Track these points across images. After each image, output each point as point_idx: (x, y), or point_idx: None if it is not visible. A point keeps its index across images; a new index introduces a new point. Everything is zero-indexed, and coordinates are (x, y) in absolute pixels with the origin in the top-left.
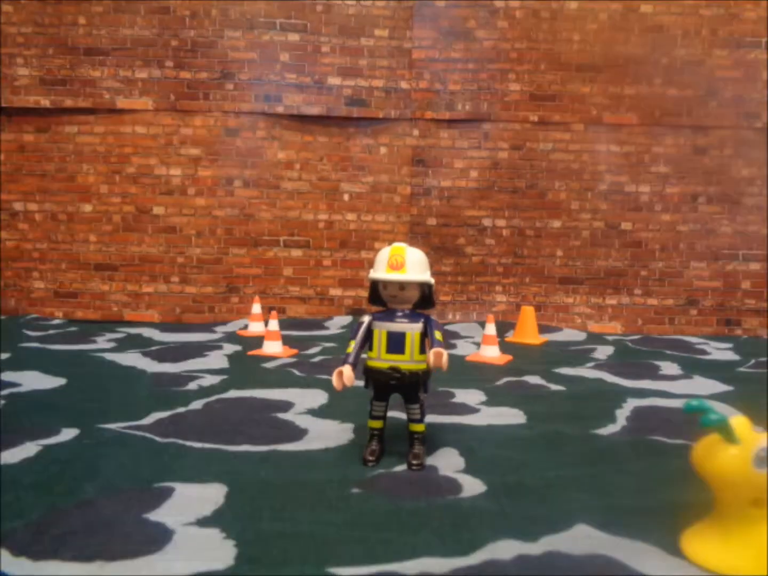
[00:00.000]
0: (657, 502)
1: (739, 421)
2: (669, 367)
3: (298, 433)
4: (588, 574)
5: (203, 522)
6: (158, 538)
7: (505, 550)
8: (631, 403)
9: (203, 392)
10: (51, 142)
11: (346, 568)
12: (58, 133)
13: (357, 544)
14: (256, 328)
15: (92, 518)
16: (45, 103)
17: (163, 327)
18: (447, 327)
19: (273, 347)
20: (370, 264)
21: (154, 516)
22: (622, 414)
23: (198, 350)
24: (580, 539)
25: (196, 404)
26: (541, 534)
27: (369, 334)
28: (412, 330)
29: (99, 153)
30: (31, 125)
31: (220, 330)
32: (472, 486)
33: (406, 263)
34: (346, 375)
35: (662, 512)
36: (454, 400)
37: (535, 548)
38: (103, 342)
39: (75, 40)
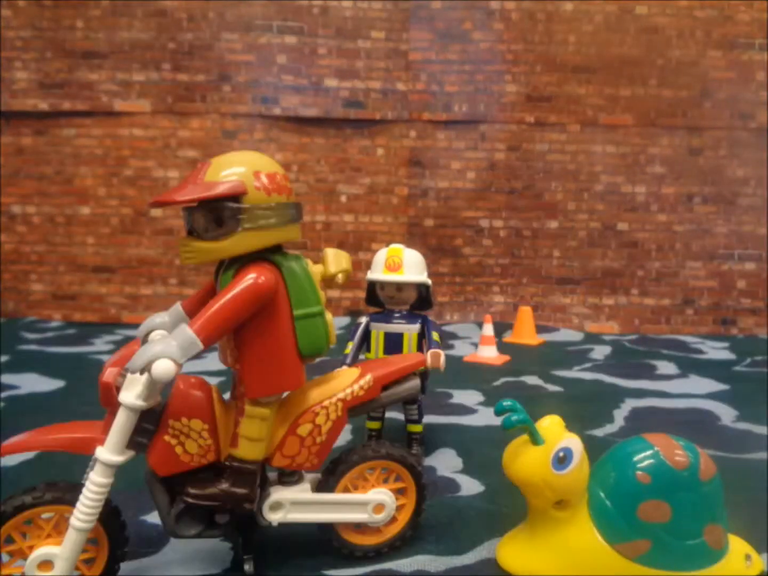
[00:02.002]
0: None
1: (553, 421)
2: (666, 367)
3: None
4: None
5: None
6: (155, 540)
7: None
8: (629, 404)
9: None
10: (49, 145)
11: (342, 569)
12: (56, 136)
13: None
14: None
15: None
16: (43, 106)
17: None
18: (444, 328)
19: None
20: (368, 265)
21: (152, 518)
22: (620, 414)
23: None
24: None
25: None
26: None
27: (367, 335)
28: (410, 331)
29: (97, 156)
30: (29, 128)
31: None
32: (470, 486)
33: (403, 264)
34: None
35: None
36: (452, 400)
37: None
38: (101, 344)
39: (73, 44)
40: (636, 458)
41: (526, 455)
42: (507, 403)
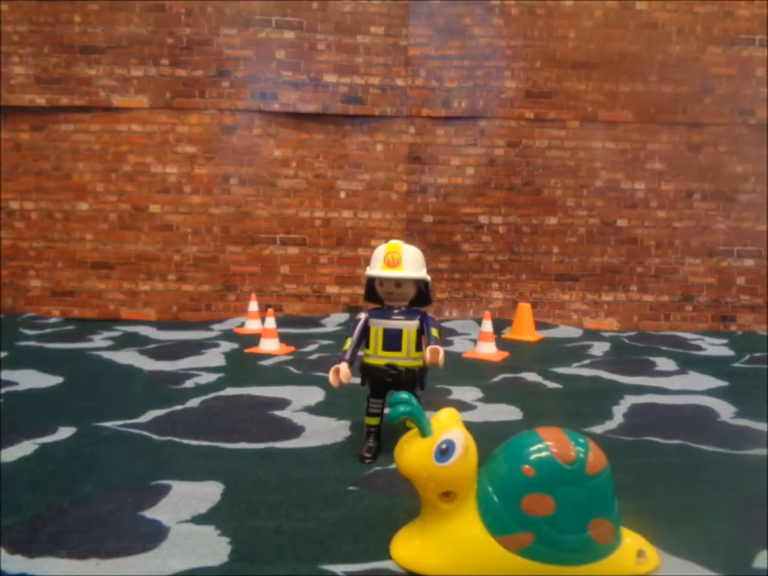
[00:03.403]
0: (654, 500)
1: (449, 414)
2: (665, 363)
3: (295, 431)
4: None
5: (199, 519)
6: (154, 535)
7: None
8: (628, 400)
9: (200, 390)
10: (47, 140)
11: (339, 565)
12: (54, 132)
13: (351, 541)
14: (252, 325)
15: (88, 516)
16: (41, 101)
17: (160, 325)
18: (443, 324)
19: (270, 345)
20: (367, 261)
21: (150, 514)
22: (619, 411)
23: (195, 348)
24: None
25: (193, 402)
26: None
27: (366, 331)
28: (409, 327)
29: (95, 151)
30: (27, 124)
31: (217, 328)
32: None
33: (402, 260)
34: (342, 372)
35: (659, 510)
36: (451, 396)
37: None
38: (99, 340)
39: (70, 38)
40: (523, 452)
41: (412, 447)
42: (404, 396)
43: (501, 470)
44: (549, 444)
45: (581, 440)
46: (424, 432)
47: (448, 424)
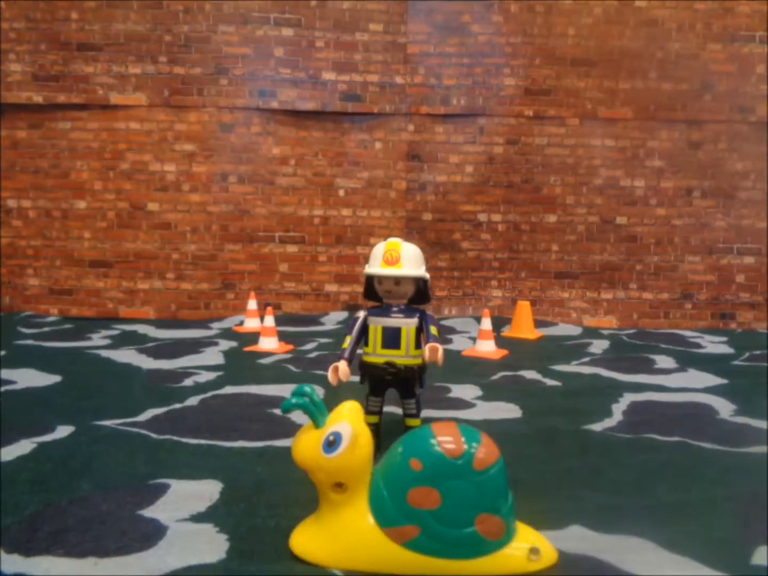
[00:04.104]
0: (653, 496)
1: (352, 407)
2: (664, 361)
3: (294, 429)
4: (580, 570)
5: (197, 518)
6: (152, 534)
7: None
8: (628, 398)
9: (199, 388)
10: (44, 138)
11: None
12: (51, 130)
13: None
14: (251, 324)
15: (86, 515)
16: (38, 99)
17: (159, 323)
18: (443, 322)
19: (269, 343)
20: (366, 259)
21: (149, 512)
22: (619, 408)
23: (193, 346)
24: (574, 535)
25: (192, 400)
26: (534, 530)
27: (365, 329)
28: (408, 325)
29: (93, 149)
30: (24, 121)
31: (216, 326)
32: None
33: (401, 258)
34: (341, 370)
35: (658, 507)
36: (450, 394)
37: None
38: (98, 339)
39: (68, 36)
40: (412, 445)
41: (304, 438)
42: (307, 389)
43: (392, 463)
44: (438, 438)
45: (473, 435)
46: (317, 423)
47: (343, 417)
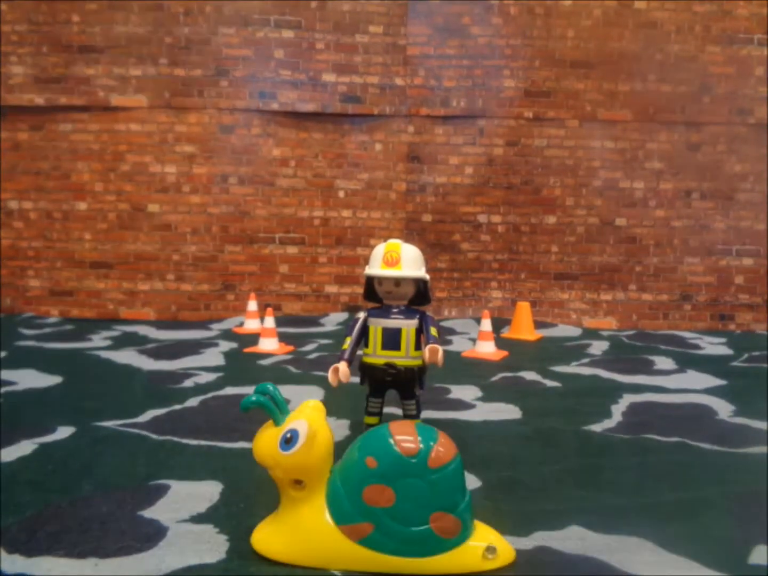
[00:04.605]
0: (652, 497)
1: (315, 406)
2: (663, 362)
3: None
4: (578, 570)
5: (197, 519)
6: (152, 535)
7: None
8: (627, 399)
9: (199, 389)
10: (46, 140)
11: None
12: (52, 131)
13: None
14: (251, 325)
15: (87, 515)
16: (39, 101)
17: (159, 325)
18: (443, 323)
19: (269, 344)
20: (366, 261)
21: (149, 513)
22: (618, 409)
23: (194, 348)
24: (573, 536)
25: (192, 401)
26: (533, 530)
27: (365, 330)
28: (408, 326)
29: (94, 151)
30: (26, 123)
31: (216, 327)
32: (467, 481)
33: (401, 259)
34: (341, 371)
35: (657, 507)
36: (450, 396)
37: (527, 544)
38: (99, 340)
39: (69, 38)
40: (369, 443)
41: (263, 435)
42: (269, 387)
43: (349, 461)
44: (394, 437)
45: (430, 435)
46: (276, 421)
47: (302, 415)
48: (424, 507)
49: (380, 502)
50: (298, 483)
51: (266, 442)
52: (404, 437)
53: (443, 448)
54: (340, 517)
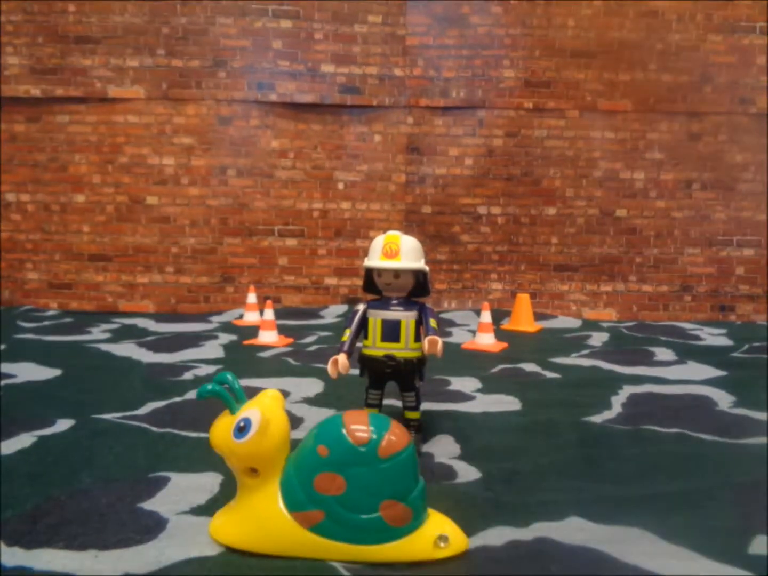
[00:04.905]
0: (652, 487)
1: (273, 396)
2: (664, 353)
3: (294, 422)
4: (578, 561)
5: (197, 511)
6: (152, 527)
7: (496, 536)
8: (627, 390)
9: (199, 382)
10: (42, 131)
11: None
12: (49, 123)
13: None
14: (251, 317)
15: (86, 508)
16: (35, 92)
17: (158, 317)
18: (442, 315)
19: (268, 337)
20: (365, 253)
21: (149, 505)
22: (618, 401)
23: (193, 340)
24: (573, 527)
25: (192, 394)
26: (533, 521)
27: (364, 322)
28: (407, 318)
29: (91, 143)
30: (22, 115)
31: (216, 320)
32: (467, 473)
33: (400, 251)
34: (341, 363)
35: (657, 498)
36: (450, 387)
37: (526, 535)
38: (98, 333)
39: (65, 29)
40: (321, 432)
41: (219, 424)
42: (229, 377)
43: (303, 449)
44: (346, 426)
45: (382, 424)
46: (231, 410)
47: (256, 404)
48: (374, 495)
49: (331, 490)
50: (253, 471)
51: (221, 430)
52: (356, 426)
53: (395, 438)
54: (293, 504)
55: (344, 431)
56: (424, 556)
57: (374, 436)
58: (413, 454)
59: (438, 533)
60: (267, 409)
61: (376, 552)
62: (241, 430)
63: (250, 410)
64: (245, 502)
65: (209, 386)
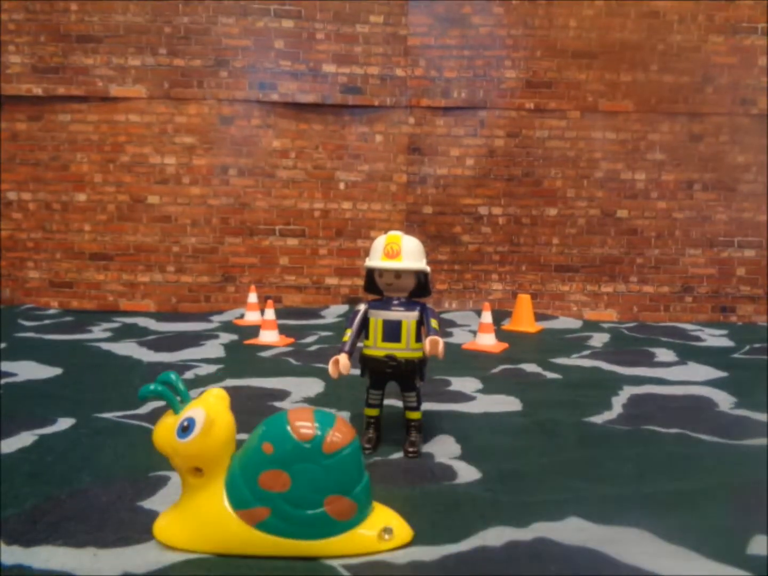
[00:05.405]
0: (652, 488)
1: (218, 395)
2: (664, 354)
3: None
4: (578, 561)
5: None
6: (152, 526)
7: (496, 537)
8: (628, 391)
9: (199, 381)
10: (44, 130)
11: (336, 558)
12: (51, 122)
13: None
14: (252, 317)
15: (86, 506)
16: (37, 91)
17: (159, 316)
18: (443, 315)
19: (269, 336)
20: (366, 253)
21: (149, 504)
22: (618, 401)
23: (194, 339)
24: (572, 527)
25: (193, 393)
26: (532, 521)
27: (365, 322)
28: (408, 318)
29: (93, 142)
30: (24, 113)
31: (216, 319)
32: (467, 473)
33: (401, 251)
34: (342, 363)
35: (657, 498)
36: (451, 388)
37: (526, 535)
38: (98, 332)
39: (67, 27)
40: (266, 430)
41: (162, 424)
42: (173, 376)
43: (248, 447)
44: (291, 423)
45: (327, 420)
46: (175, 409)
47: (200, 403)
48: (318, 491)
49: (276, 487)
50: (198, 471)
51: (164, 430)
52: (300, 423)
53: (339, 434)
54: (238, 502)
55: (289, 428)
56: (369, 549)
57: (319, 433)
58: (357, 450)
59: (382, 526)
60: (211, 409)
61: (322, 546)
62: (185, 429)
63: (194, 410)
64: (190, 502)
65: (151, 386)
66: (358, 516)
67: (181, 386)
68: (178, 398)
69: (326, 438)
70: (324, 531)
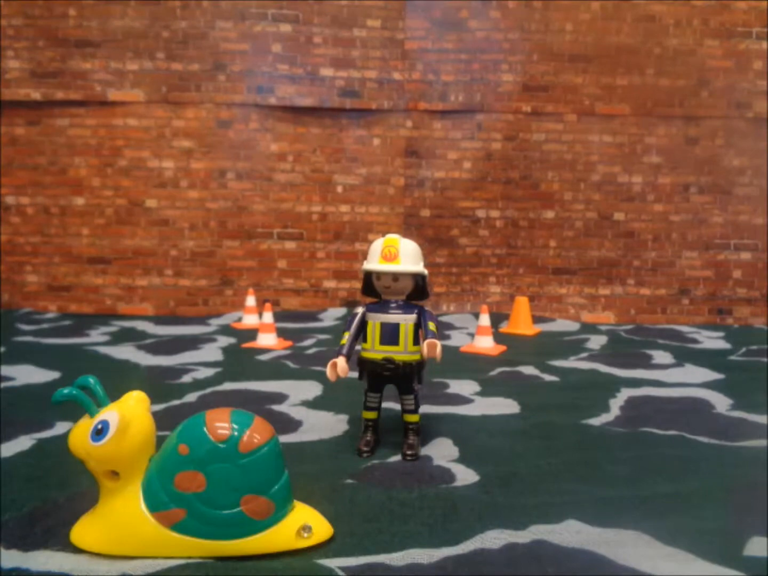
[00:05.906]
0: (649, 490)
1: (138, 397)
2: (661, 357)
3: (293, 425)
4: (575, 563)
5: None
6: None
7: (494, 539)
8: (625, 393)
9: (198, 385)
10: (42, 135)
11: (333, 559)
12: (49, 126)
13: (346, 535)
14: (250, 320)
15: (85, 510)
16: (36, 95)
17: (157, 320)
18: (441, 318)
19: (267, 339)
20: (364, 256)
21: None
22: (616, 404)
23: (192, 343)
24: (570, 529)
25: (191, 397)
26: (530, 523)
27: (363, 325)
28: (406, 321)
29: (91, 146)
30: (23, 118)
31: (215, 323)
32: (465, 476)
33: (399, 254)
34: (340, 366)
35: (654, 500)
36: (449, 390)
37: (524, 537)
38: (97, 335)
39: (65, 32)
40: (182, 430)
41: (77, 427)
42: (91, 380)
43: (165, 449)
44: (207, 424)
45: (244, 420)
46: (90, 412)
47: (115, 406)
48: (234, 490)
49: (191, 487)
50: (114, 474)
51: (78, 433)
52: (217, 424)
53: (256, 433)
54: (154, 504)
55: (205, 429)
56: (287, 547)
57: (235, 433)
58: (275, 448)
59: (301, 524)
60: (128, 411)
61: (238, 546)
62: (99, 432)
63: (109, 412)
64: (106, 506)
65: (65, 390)
66: (276, 515)
67: (99, 390)
68: (96, 402)
69: (242, 438)
70: (241, 531)
